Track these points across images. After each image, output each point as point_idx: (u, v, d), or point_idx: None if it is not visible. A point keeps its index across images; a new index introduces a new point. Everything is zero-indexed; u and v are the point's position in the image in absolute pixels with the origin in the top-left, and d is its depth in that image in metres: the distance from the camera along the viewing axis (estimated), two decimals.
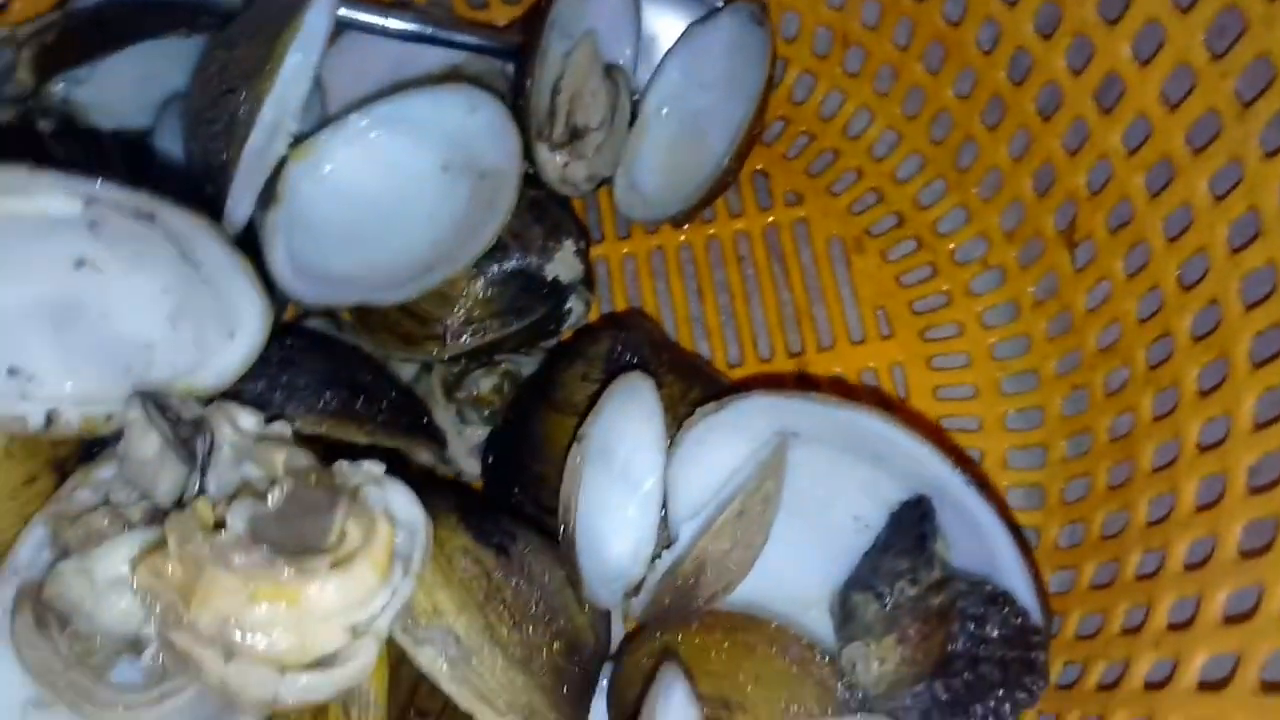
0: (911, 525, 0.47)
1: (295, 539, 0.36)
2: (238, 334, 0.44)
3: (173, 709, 0.41)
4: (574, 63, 0.62)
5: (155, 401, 0.42)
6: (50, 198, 0.38)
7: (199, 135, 0.50)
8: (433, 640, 0.40)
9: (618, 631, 0.53)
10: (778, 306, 0.67)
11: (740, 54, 0.65)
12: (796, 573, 0.51)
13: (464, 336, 0.58)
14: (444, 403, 0.60)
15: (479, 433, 0.60)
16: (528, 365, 0.62)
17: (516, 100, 0.60)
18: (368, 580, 0.37)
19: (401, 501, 0.40)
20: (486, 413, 0.60)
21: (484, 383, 0.60)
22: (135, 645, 0.42)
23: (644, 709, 0.41)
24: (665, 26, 0.68)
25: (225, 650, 0.35)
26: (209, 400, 0.45)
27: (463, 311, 0.58)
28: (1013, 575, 0.46)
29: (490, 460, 0.59)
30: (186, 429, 0.42)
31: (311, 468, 0.39)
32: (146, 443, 0.42)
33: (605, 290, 0.68)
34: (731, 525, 0.45)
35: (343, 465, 0.40)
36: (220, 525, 0.37)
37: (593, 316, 0.65)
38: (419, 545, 0.39)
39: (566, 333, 0.64)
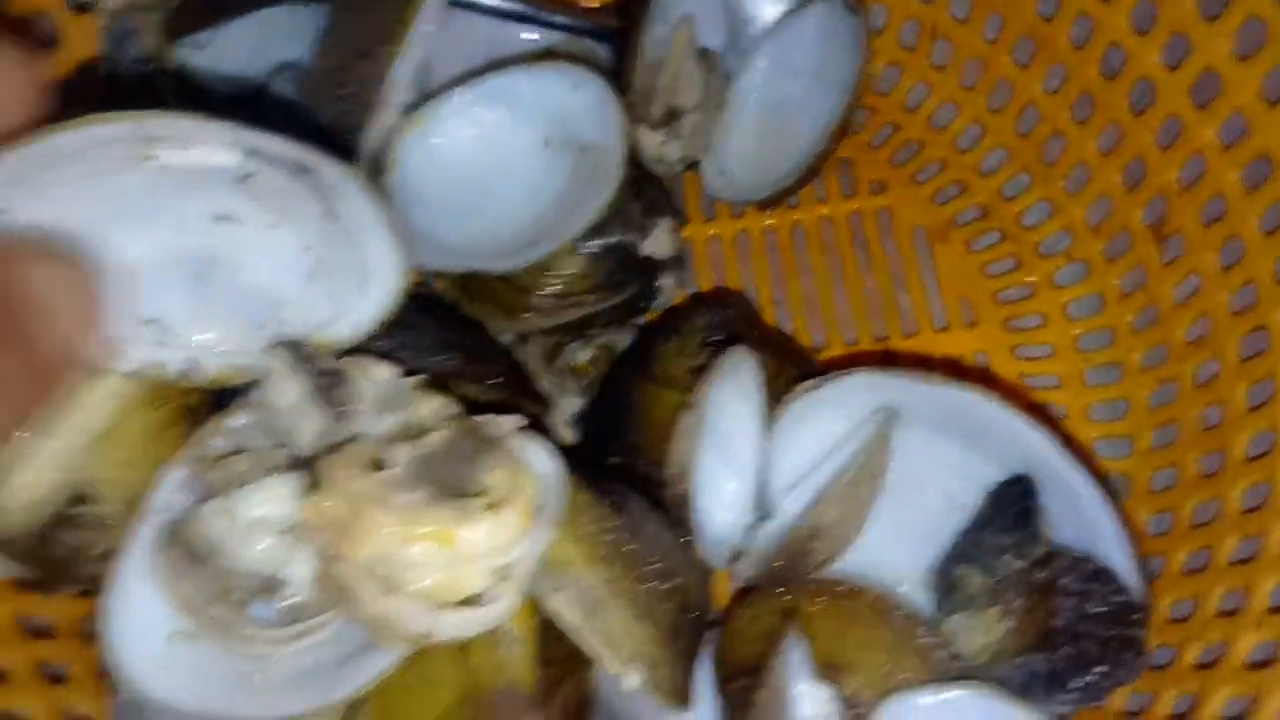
0: (1014, 501, 0.48)
1: (449, 483, 0.38)
2: (373, 289, 0.45)
3: (309, 646, 0.43)
4: (673, 45, 0.63)
5: (297, 351, 0.44)
6: (211, 149, 0.39)
7: (325, 99, 0.51)
8: (563, 588, 0.41)
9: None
10: (862, 292, 0.68)
11: (832, 44, 0.66)
12: (888, 549, 0.53)
13: (562, 309, 0.60)
14: (542, 373, 0.61)
15: (574, 403, 0.62)
16: (620, 340, 0.63)
17: (617, 79, 0.61)
18: (514, 526, 0.38)
19: (541, 454, 0.41)
20: (584, 383, 0.61)
21: (581, 354, 0.61)
22: (270, 587, 0.44)
23: (769, 666, 0.43)
24: (756, 13, 0.69)
25: (383, 585, 0.36)
26: (342, 354, 0.46)
27: (561, 284, 0.60)
28: (1115, 554, 0.47)
29: (586, 430, 0.60)
30: (327, 379, 0.43)
31: (462, 416, 0.41)
32: (288, 391, 0.43)
33: (691, 272, 0.70)
34: (844, 493, 0.46)
35: (490, 416, 0.41)
36: (379, 466, 0.38)
37: (678, 298, 0.66)
38: (556, 496, 0.40)
39: (655, 311, 0.65)
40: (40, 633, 0.53)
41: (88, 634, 0.55)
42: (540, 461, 0.41)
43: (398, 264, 0.44)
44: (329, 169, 0.40)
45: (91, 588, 0.49)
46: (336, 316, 0.47)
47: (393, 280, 0.45)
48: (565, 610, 0.40)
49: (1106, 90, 0.61)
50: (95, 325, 0.33)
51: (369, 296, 0.46)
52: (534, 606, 0.40)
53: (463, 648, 0.39)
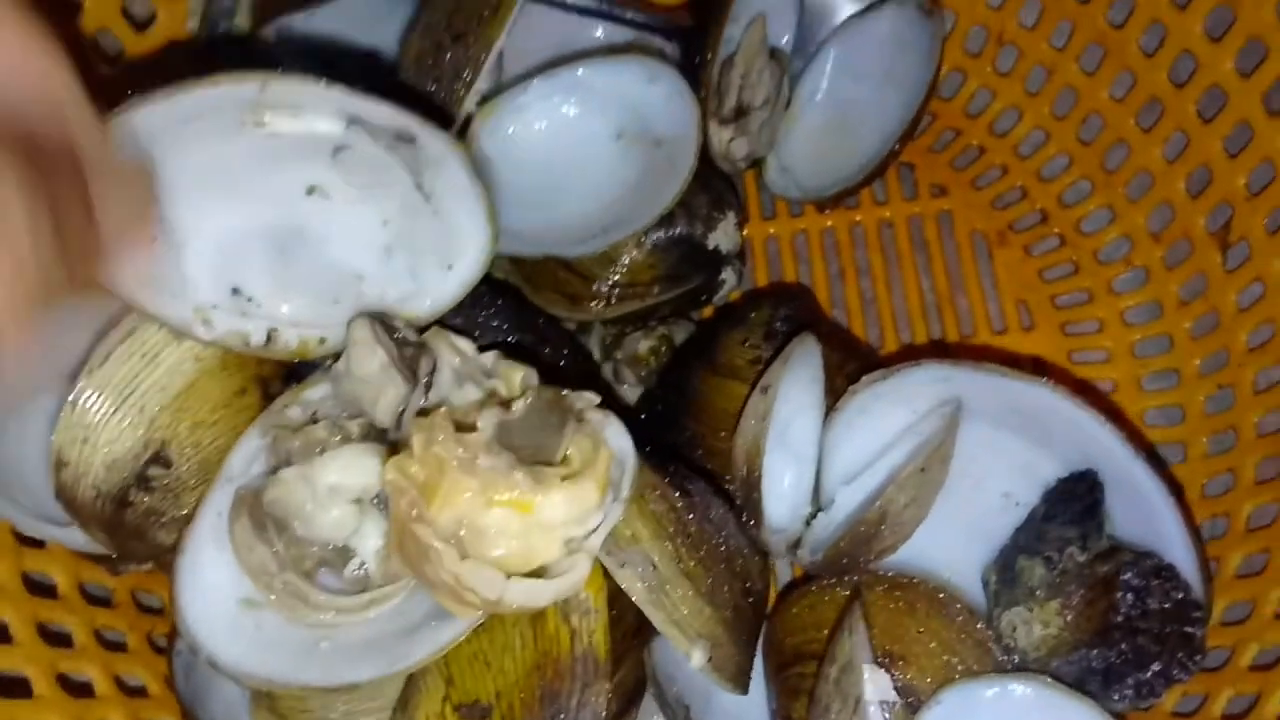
0: (1079, 496, 0.48)
1: (529, 451, 0.38)
2: (457, 265, 0.46)
3: (377, 616, 0.44)
4: (746, 42, 0.64)
5: (380, 322, 0.45)
6: (319, 116, 0.40)
7: (416, 80, 0.52)
8: (633, 562, 0.42)
9: None
10: (920, 293, 0.69)
11: (901, 48, 0.67)
12: (940, 545, 0.53)
13: (626, 299, 0.61)
14: (601, 362, 0.62)
15: (632, 393, 0.63)
16: (679, 332, 0.64)
17: (691, 74, 0.62)
18: (589, 498, 0.39)
19: (617, 430, 0.42)
20: (643, 373, 0.62)
21: (642, 344, 0.62)
22: (341, 556, 0.45)
23: (836, 645, 0.43)
24: (827, 15, 0.70)
25: (460, 549, 0.37)
26: (423, 328, 0.47)
27: (627, 274, 0.61)
28: (1177, 551, 0.47)
29: (645, 417, 0.61)
30: (409, 350, 0.44)
31: (544, 387, 0.41)
32: (371, 361, 0.44)
33: (748, 269, 0.70)
34: (914, 480, 0.47)
35: (569, 391, 0.42)
36: (466, 429, 0.39)
37: (735, 295, 0.67)
38: (628, 473, 0.41)
39: (713, 306, 0.66)
40: (98, 600, 0.54)
41: (142, 604, 0.57)
42: (616, 437, 0.42)
43: (487, 240, 0.45)
44: (432, 139, 0.41)
45: (159, 557, 0.50)
46: (416, 291, 0.48)
47: (480, 256, 0.46)
48: (633, 585, 0.41)
49: (1175, 97, 0.62)
50: (135, 244, 0.32)
51: (453, 272, 0.47)
52: (606, 580, 0.41)
53: (535, 618, 0.40)
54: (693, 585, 0.44)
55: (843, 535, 0.48)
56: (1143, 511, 0.48)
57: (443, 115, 0.50)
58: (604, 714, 0.36)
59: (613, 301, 0.61)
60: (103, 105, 0.35)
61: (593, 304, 0.61)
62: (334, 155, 0.44)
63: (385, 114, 0.40)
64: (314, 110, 0.40)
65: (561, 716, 0.36)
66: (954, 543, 0.53)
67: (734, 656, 0.44)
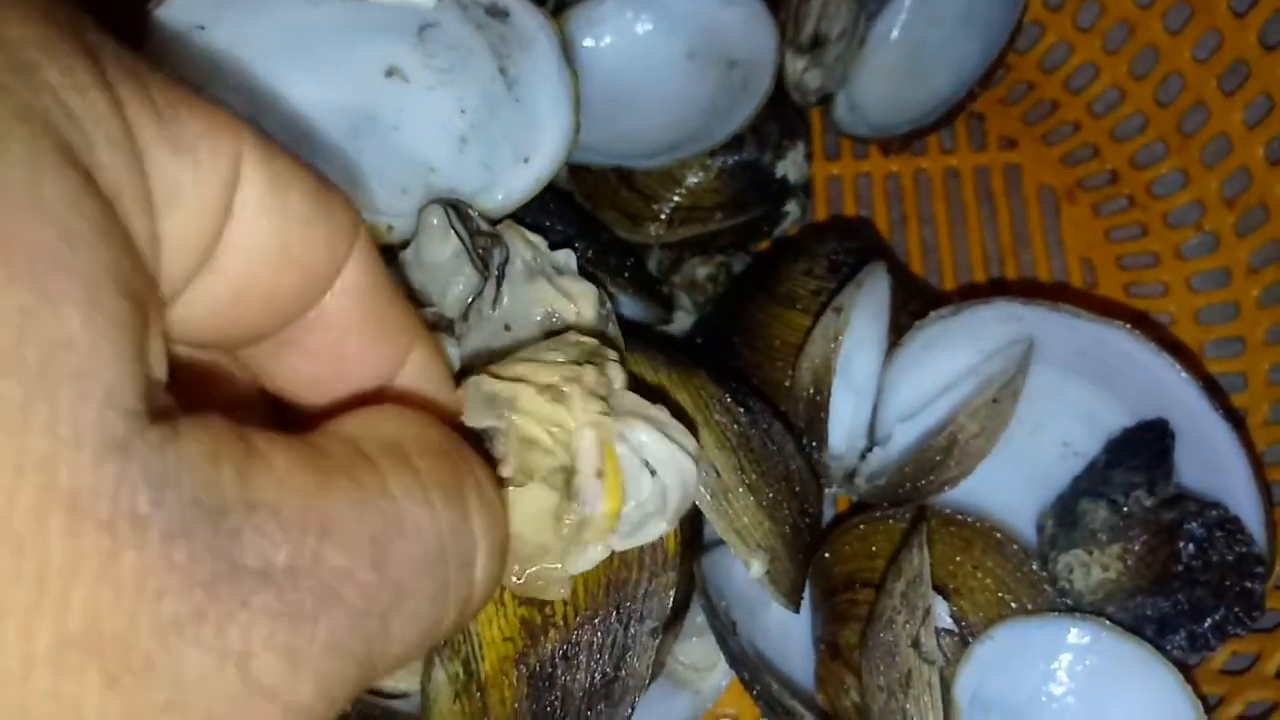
0: (1149, 443, 0.47)
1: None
2: (533, 158, 0.45)
3: None
4: None
5: (455, 209, 0.44)
6: None
7: None
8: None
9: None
10: (982, 245, 0.68)
11: None
12: (995, 488, 0.52)
13: (687, 222, 0.60)
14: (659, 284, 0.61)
15: (686, 319, 0.62)
16: (737, 261, 0.63)
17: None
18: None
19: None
20: (700, 299, 0.61)
21: (700, 270, 0.61)
22: None
23: (900, 564, 0.43)
24: None
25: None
26: (493, 223, 0.46)
27: (690, 197, 0.60)
28: (1245, 506, 0.46)
29: (700, 342, 0.60)
30: (483, 240, 0.43)
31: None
32: (443, 248, 0.43)
33: (809, 207, 0.69)
34: (985, 410, 0.46)
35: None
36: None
37: (795, 230, 0.66)
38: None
39: (765, 242, 0.65)
40: None
41: None
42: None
43: (568, 132, 0.44)
44: (526, 15, 0.40)
45: None
46: (489, 184, 0.47)
47: (559, 148, 0.45)
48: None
49: (1264, 60, 0.60)
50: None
51: (528, 165, 0.46)
52: None
53: None
54: (754, 497, 0.43)
55: (908, 460, 0.47)
56: (1212, 464, 0.47)
57: None
58: (669, 605, 0.35)
59: (674, 224, 0.60)
60: None
61: (653, 225, 0.60)
62: (419, 33, 0.43)
63: None
64: None
65: (628, 604, 0.35)
66: (1008, 487, 0.52)
67: (789, 572, 0.44)
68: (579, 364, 0.33)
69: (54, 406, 0.14)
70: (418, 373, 0.26)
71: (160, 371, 0.17)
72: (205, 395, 0.24)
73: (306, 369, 0.24)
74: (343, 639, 0.18)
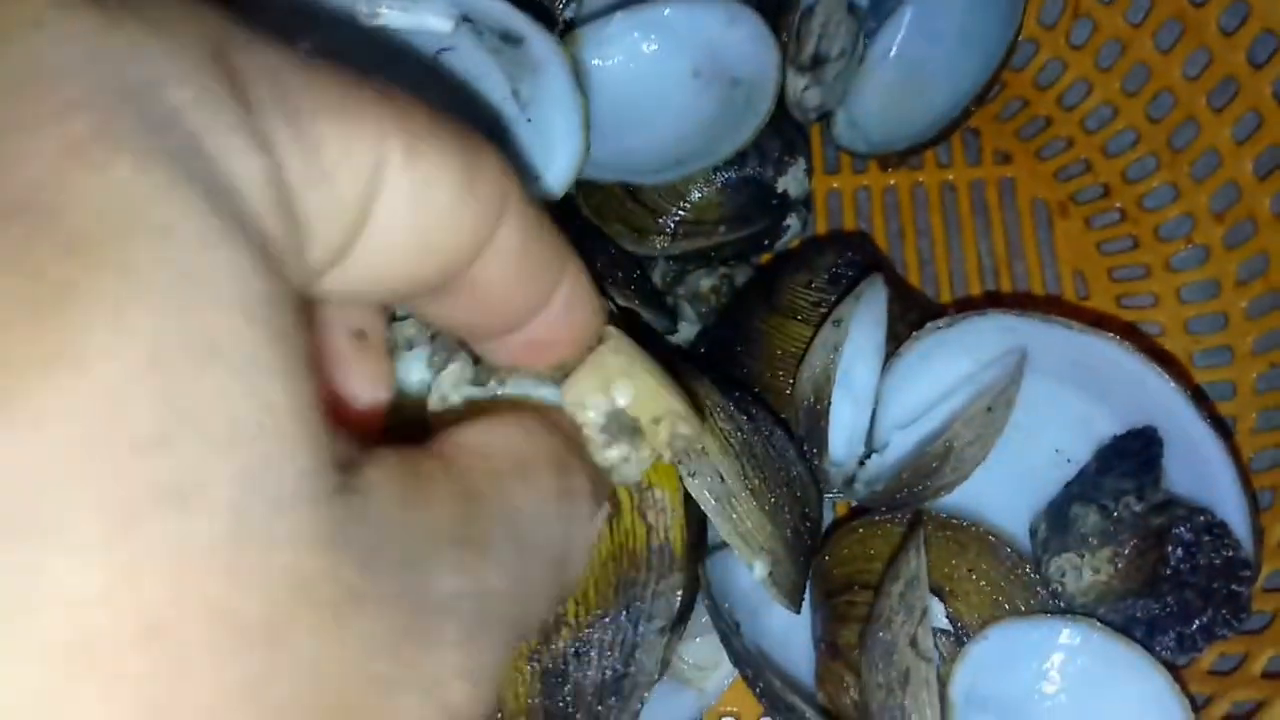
0: (1137, 450, 0.49)
1: None
2: (544, 177, 0.47)
3: None
4: None
5: None
6: (432, 11, 0.41)
7: None
8: (702, 473, 0.43)
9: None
10: (977, 257, 0.70)
11: (981, 11, 0.68)
12: (989, 494, 0.54)
13: (691, 235, 0.62)
14: (663, 296, 0.63)
15: (690, 330, 0.63)
16: (740, 273, 0.65)
17: (771, 19, 0.63)
18: None
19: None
20: (703, 310, 0.63)
21: (704, 282, 0.63)
22: None
23: (899, 565, 0.44)
24: None
25: None
26: None
27: (694, 211, 0.61)
28: (1231, 511, 0.48)
29: (704, 352, 0.62)
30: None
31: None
32: None
33: (810, 220, 0.71)
34: (980, 419, 0.47)
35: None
36: None
37: (796, 243, 0.68)
38: None
39: (768, 255, 0.66)
40: None
41: None
42: None
43: (579, 151, 0.46)
44: (539, 42, 0.42)
45: None
46: None
47: (570, 166, 0.46)
48: (702, 495, 0.42)
49: (1253, 77, 0.62)
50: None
51: (540, 184, 0.47)
52: (680, 484, 0.42)
53: (613, 515, 0.41)
54: (757, 501, 0.44)
55: (905, 467, 0.48)
56: (1199, 470, 0.49)
57: (549, 20, 0.51)
58: (677, 605, 0.37)
59: (678, 237, 0.61)
60: None
61: (658, 239, 0.61)
62: (436, 57, 0.45)
63: (498, 12, 0.41)
64: (429, 3, 0.41)
65: (638, 604, 0.37)
66: (1001, 493, 0.54)
67: (791, 574, 0.45)
68: None
69: (262, 501, 0.14)
70: (566, 301, 0.26)
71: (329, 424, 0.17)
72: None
73: (460, 316, 0.24)
74: (502, 646, 0.19)
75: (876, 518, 0.51)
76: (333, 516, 0.15)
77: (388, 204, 0.19)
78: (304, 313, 0.17)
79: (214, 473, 0.14)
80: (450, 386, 0.39)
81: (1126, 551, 0.48)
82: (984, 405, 0.47)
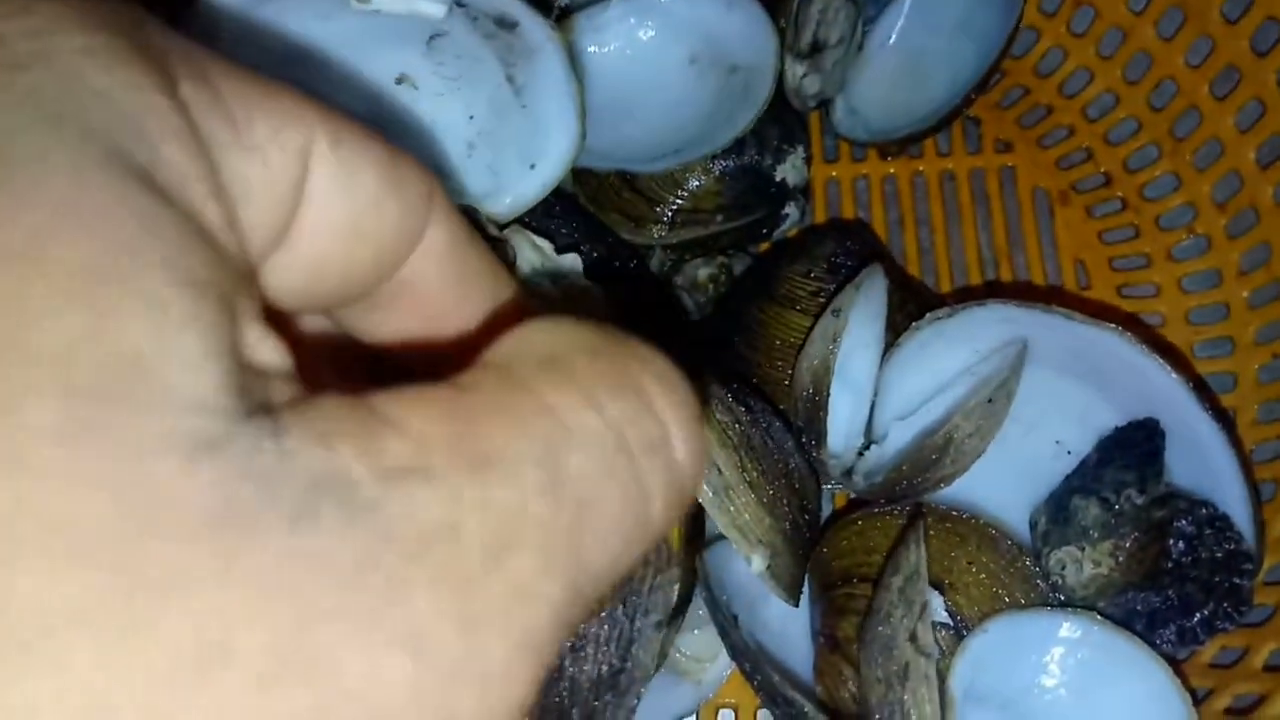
0: (1139, 442, 0.49)
1: None
2: (539, 164, 0.47)
3: None
4: None
5: (464, 214, 0.45)
6: None
7: None
8: None
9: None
10: (977, 246, 0.69)
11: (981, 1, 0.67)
12: (989, 486, 0.53)
13: (689, 224, 0.61)
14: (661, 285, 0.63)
15: (691, 319, 0.63)
16: (738, 263, 0.64)
17: (769, 5, 0.62)
18: None
19: None
20: (701, 299, 0.62)
21: (702, 271, 0.63)
22: None
23: (897, 559, 0.44)
24: None
25: None
26: (503, 226, 0.47)
27: (691, 200, 0.61)
28: (1233, 504, 0.48)
29: (700, 342, 0.61)
30: (490, 244, 0.44)
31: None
32: None
33: (809, 208, 0.70)
34: (980, 411, 0.47)
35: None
36: None
37: (794, 231, 0.67)
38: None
39: (766, 244, 0.66)
40: None
41: None
42: None
43: (574, 138, 0.45)
44: (534, 27, 0.41)
45: None
46: (496, 189, 0.48)
47: (565, 154, 0.46)
48: (699, 488, 0.42)
49: (1256, 66, 0.61)
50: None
51: (535, 171, 0.47)
52: None
53: None
54: (755, 494, 0.44)
55: (905, 459, 0.48)
56: (1201, 463, 0.48)
57: (544, 5, 0.50)
58: (674, 600, 0.37)
59: (676, 226, 0.61)
60: None
61: (655, 228, 0.61)
62: (428, 43, 0.44)
63: None
64: None
65: (634, 598, 0.36)
66: (1001, 485, 0.53)
67: (789, 567, 0.45)
68: None
69: (130, 422, 0.13)
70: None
71: (266, 358, 0.16)
72: (347, 363, 0.24)
73: (396, 325, 0.24)
74: (527, 582, 0.16)
75: (875, 510, 0.50)
76: (214, 434, 0.14)
77: (318, 186, 0.19)
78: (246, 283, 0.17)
79: None
80: None
81: (1127, 544, 0.47)
82: (984, 396, 0.47)
